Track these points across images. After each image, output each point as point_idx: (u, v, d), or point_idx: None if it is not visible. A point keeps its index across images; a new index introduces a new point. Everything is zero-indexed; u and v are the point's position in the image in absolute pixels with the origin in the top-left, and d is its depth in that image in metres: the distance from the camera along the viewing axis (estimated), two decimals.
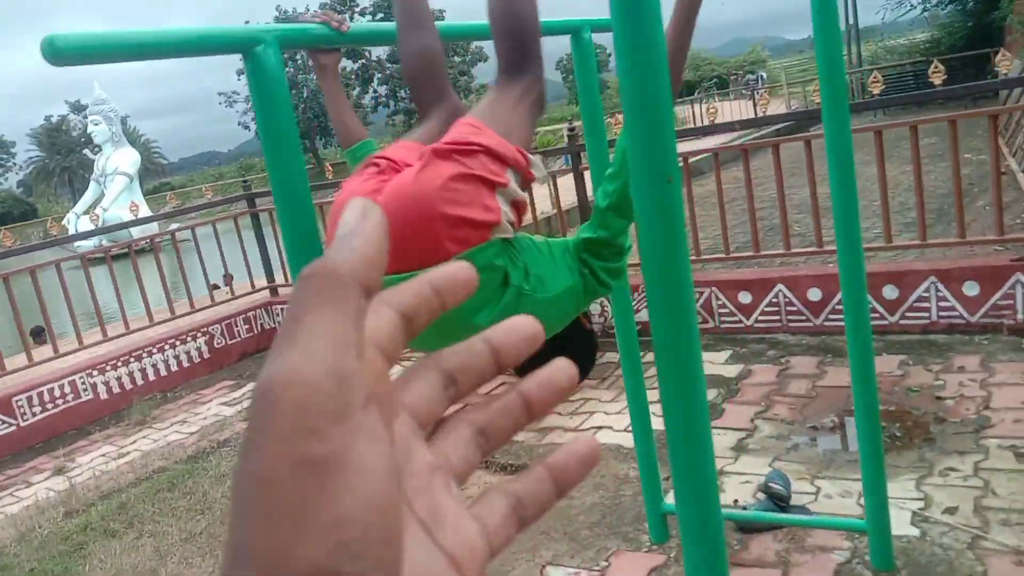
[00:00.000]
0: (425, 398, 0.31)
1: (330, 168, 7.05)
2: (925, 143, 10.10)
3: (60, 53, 1.04)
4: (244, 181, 7.18)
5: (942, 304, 4.23)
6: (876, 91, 4.01)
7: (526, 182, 1.59)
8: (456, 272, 0.32)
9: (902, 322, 4.35)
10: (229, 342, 6.55)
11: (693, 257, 5.19)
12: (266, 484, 0.24)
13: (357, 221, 0.29)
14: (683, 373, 1.18)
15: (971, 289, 4.13)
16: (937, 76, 3.83)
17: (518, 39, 1.64)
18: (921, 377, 3.81)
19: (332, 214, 1.65)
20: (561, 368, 0.33)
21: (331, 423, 0.24)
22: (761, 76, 37.04)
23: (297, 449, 0.24)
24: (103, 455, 4.90)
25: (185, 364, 6.20)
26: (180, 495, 3.98)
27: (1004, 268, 4.04)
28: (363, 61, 46.46)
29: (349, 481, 0.24)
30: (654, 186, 1.09)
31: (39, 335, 7.29)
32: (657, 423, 2.88)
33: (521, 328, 0.33)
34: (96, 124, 25.13)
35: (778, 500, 2.85)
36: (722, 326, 4.90)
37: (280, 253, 7.15)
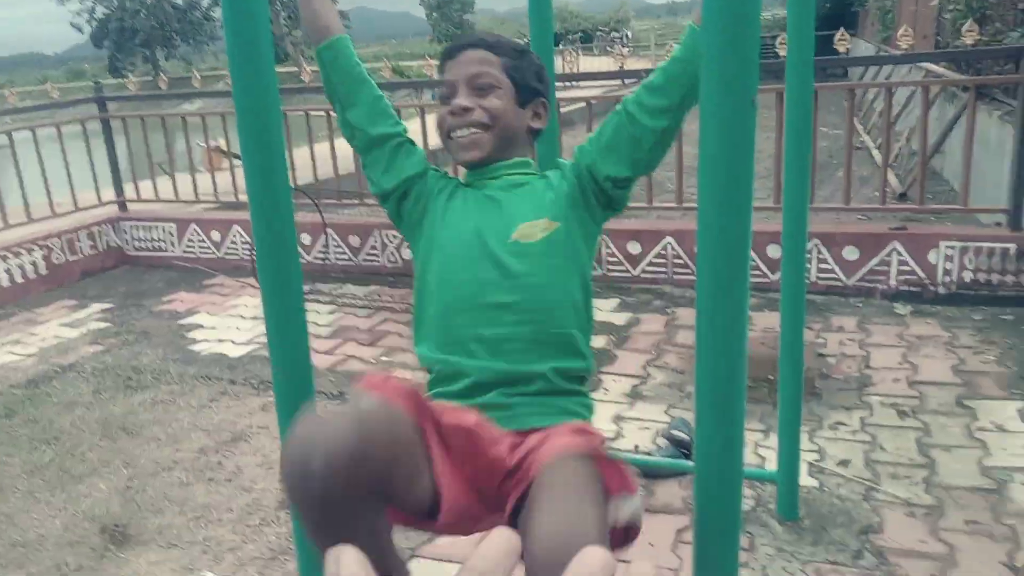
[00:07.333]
0: None
1: (164, 79, 6.37)
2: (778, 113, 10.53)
3: None
4: (96, 83, 6.44)
5: (822, 266, 4.38)
6: None
7: None
8: None
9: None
10: (70, 259, 5.92)
11: None
12: None
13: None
14: None
15: (851, 254, 4.30)
16: (783, 48, 3.87)
17: None
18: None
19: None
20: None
21: None
22: (627, 35, 37.61)
23: None
24: None
25: (18, 280, 5.56)
26: (21, 423, 3.54)
27: (884, 236, 4.22)
28: None
29: None
30: (733, 106, 0.95)
31: None
32: None
33: None
34: None
35: (682, 447, 2.85)
36: (609, 274, 4.88)
37: (132, 165, 6.53)
